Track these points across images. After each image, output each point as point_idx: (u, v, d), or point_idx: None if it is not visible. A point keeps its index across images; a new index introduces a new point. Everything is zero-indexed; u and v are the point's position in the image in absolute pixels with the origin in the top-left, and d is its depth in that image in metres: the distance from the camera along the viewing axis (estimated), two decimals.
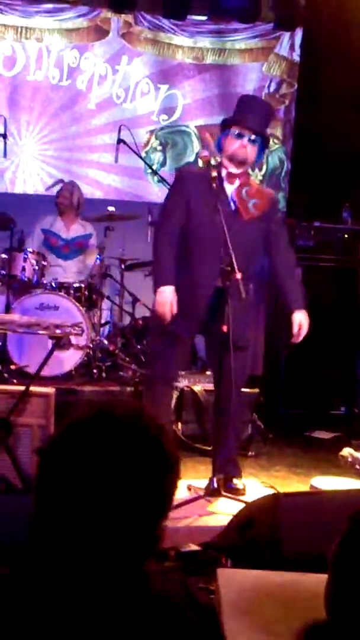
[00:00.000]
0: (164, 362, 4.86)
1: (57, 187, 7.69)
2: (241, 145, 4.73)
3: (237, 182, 4.77)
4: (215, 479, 4.53)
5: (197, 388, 6.14)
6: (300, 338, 4.93)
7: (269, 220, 4.89)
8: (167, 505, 1.57)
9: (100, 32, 8.25)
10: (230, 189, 4.77)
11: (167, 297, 4.65)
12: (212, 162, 4.77)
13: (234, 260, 4.35)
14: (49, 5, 8.02)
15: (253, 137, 4.75)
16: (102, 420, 1.58)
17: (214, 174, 4.60)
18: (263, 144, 4.87)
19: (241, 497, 4.45)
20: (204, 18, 8.45)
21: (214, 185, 4.59)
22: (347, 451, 5.68)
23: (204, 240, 4.68)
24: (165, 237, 4.76)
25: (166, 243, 4.74)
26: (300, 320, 4.89)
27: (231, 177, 4.77)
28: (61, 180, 7.77)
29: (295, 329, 4.87)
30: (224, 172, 4.77)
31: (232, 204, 4.75)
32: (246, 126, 4.74)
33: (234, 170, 4.75)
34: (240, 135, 4.74)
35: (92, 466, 1.51)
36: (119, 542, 1.50)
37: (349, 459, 5.60)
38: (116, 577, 1.50)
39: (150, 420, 1.59)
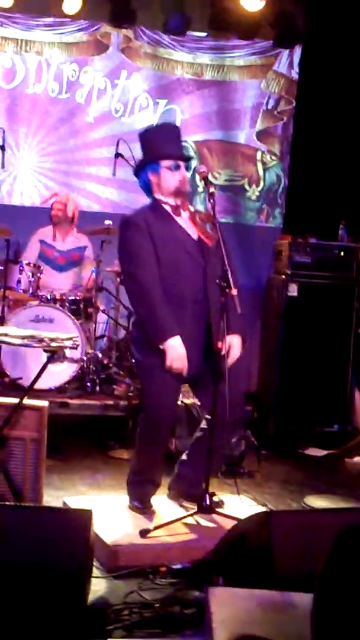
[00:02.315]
0: (163, 406, 4.63)
1: (52, 200, 7.70)
2: (182, 177, 4.61)
3: (185, 213, 4.62)
4: (207, 496, 4.50)
5: (188, 401, 6.05)
6: (230, 361, 4.54)
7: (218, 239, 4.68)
8: None
9: (100, 47, 8.27)
10: (181, 221, 4.62)
11: (180, 350, 4.42)
12: (210, 177, 4.70)
13: (229, 276, 4.31)
14: (49, 19, 8.04)
15: (184, 164, 4.67)
16: None
17: (212, 189, 4.54)
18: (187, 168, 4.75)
19: (234, 515, 4.42)
20: (203, 34, 8.48)
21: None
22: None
23: (184, 277, 4.53)
24: (150, 287, 4.46)
25: (154, 292, 4.45)
26: (231, 342, 4.53)
27: (176, 209, 4.62)
28: (57, 194, 7.78)
29: (224, 350, 4.45)
30: (168, 208, 4.62)
31: (191, 234, 4.60)
32: (177, 156, 4.63)
33: (177, 203, 4.61)
34: (177, 167, 4.61)
35: None
36: None
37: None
38: None
39: None
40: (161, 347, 4.42)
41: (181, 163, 4.63)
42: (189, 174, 4.72)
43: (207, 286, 4.51)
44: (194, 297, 4.55)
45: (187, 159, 4.74)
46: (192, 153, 4.59)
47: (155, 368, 4.49)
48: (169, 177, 4.61)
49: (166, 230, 4.55)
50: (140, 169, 4.74)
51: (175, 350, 4.42)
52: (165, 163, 4.61)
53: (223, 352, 4.39)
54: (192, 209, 4.65)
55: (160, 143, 4.68)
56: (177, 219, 4.62)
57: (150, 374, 4.59)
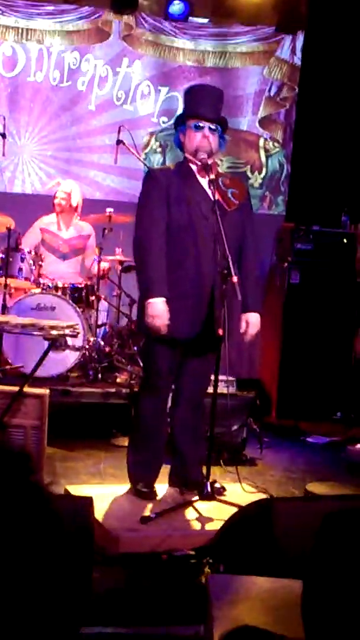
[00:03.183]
0: (158, 373, 4.76)
1: (55, 187, 7.67)
2: (203, 137, 4.62)
3: (209, 175, 4.58)
4: (208, 484, 4.51)
5: None
6: (248, 338, 4.78)
7: (246, 211, 4.80)
8: None
9: (101, 34, 8.24)
10: (204, 182, 4.62)
11: (161, 310, 4.49)
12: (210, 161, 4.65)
13: (230, 263, 4.31)
14: (50, 8, 8.02)
15: (213, 126, 4.64)
16: None
17: (212, 176, 4.52)
18: (222, 130, 4.73)
19: (235, 502, 4.42)
20: (205, 21, 8.44)
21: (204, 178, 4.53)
22: None
23: (194, 239, 4.55)
24: (153, 245, 4.54)
25: (155, 252, 4.52)
26: (248, 319, 4.71)
27: (201, 170, 4.63)
28: (60, 182, 7.75)
29: (242, 328, 4.71)
30: (194, 168, 4.65)
31: (210, 197, 4.59)
32: (203, 116, 4.63)
33: (201, 162, 4.61)
34: (199, 127, 4.63)
35: None
36: None
37: None
38: None
39: None
40: (145, 302, 4.52)
41: (205, 123, 4.62)
42: (216, 136, 4.66)
43: (216, 249, 4.47)
44: (200, 258, 4.55)
45: (212, 121, 4.65)
46: None
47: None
48: (192, 136, 4.65)
49: (185, 189, 4.59)
50: (175, 127, 4.82)
51: (155, 309, 4.50)
52: (190, 122, 4.66)
53: (224, 339, 4.41)
54: (220, 171, 4.62)
55: (191, 103, 4.77)
56: (201, 179, 4.62)
57: (148, 339, 4.76)
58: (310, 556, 1.59)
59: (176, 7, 8.19)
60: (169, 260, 4.57)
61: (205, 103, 4.68)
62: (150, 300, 4.51)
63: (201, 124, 4.62)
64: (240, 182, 4.89)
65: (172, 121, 8.32)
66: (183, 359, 4.73)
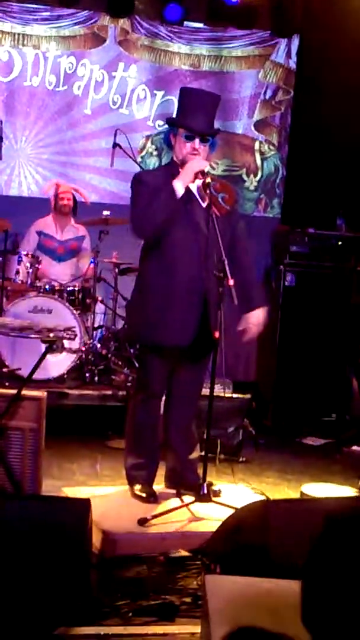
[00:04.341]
0: (152, 377, 4.77)
1: (52, 190, 7.70)
2: (192, 149, 4.56)
3: (198, 180, 4.53)
4: (205, 485, 4.53)
5: None
6: (254, 333, 4.76)
7: (236, 215, 4.77)
8: None
9: (97, 39, 8.28)
10: (193, 187, 4.57)
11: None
12: (208, 168, 4.65)
13: (226, 266, 4.32)
14: (46, 13, 8.05)
15: (201, 137, 4.60)
16: None
17: (208, 180, 4.51)
18: (213, 136, 4.68)
19: (231, 504, 4.45)
20: (200, 25, 8.47)
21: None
22: None
23: (184, 244, 4.53)
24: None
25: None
26: (256, 315, 4.70)
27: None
28: (57, 184, 7.77)
29: (249, 324, 4.69)
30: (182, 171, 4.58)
31: (199, 201, 4.57)
32: (195, 130, 4.58)
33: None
34: (189, 138, 4.59)
35: None
36: None
37: None
38: None
39: None
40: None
41: (195, 135, 4.57)
42: (207, 147, 4.62)
43: (208, 253, 4.47)
44: (191, 264, 4.54)
45: (205, 134, 4.60)
46: None
47: (143, 336, 4.68)
48: (182, 144, 4.61)
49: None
50: (168, 125, 4.80)
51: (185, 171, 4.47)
52: (181, 131, 4.61)
53: (220, 341, 4.43)
54: (208, 179, 4.57)
55: (187, 109, 4.66)
56: (190, 184, 4.54)
57: (143, 346, 4.77)
58: (309, 559, 1.62)
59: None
60: (161, 265, 4.58)
61: (198, 113, 4.60)
62: (174, 184, 4.45)
63: (192, 135, 4.58)
64: (229, 186, 4.85)
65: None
66: (178, 361, 4.75)
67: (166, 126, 4.94)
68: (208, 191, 4.46)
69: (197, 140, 4.58)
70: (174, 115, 4.85)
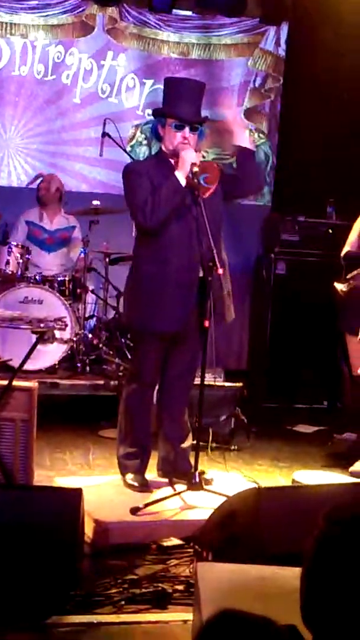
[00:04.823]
0: (146, 365, 4.80)
1: (39, 181, 7.69)
2: (182, 138, 4.59)
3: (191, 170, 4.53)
4: (197, 474, 4.55)
5: None
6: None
7: (219, 192, 4.72)
8: None
9: (85, 28, 8.24)
10: (181, 176, 4.54)
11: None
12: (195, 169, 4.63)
13: (215, 255, 4.34)
14: (34, 2, 8.02)
15: (191, 126, 4.63)
16: None
17: (195, 169, 4.51)
18: (202, 124, 4.70)
19: (223, 492, 4.46)
20: (189, 13, 8.45)
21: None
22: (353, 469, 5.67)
23: (179, 230, 4.56)
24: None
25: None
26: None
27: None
28: (41, 174, 7.76)
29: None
30: (172, 161, 4.61)
31: (189, 191, 4.57)
32: (184, 118, 4.60)
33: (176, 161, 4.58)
34: (179, 127, 4.61)
35: None
36: None
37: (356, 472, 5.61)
38: None
39: None
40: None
41: (185, 124, 4.60)
42: (196, 136, 4.64)
43: (201, 240, 4.49)
44: (187, 248, 4.56)
45: (193, 123, 4.63)
46: None
47: (140, 323, 4.69)
48: (171, 135, 4.63)
49: (166, 181, 4.53)
50: (154, 116, 4.80)
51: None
52: (170, 121, 4.63)
53: (210, 330, 4.45)
54: (195, 168, 4.52)
55: (173, 98, 4.69)
56: (178, 172, 4.54)
57: (136, 332, 4.81)
58: (312, 549, 1.62)
59: None
60: (155, 253, 4.61)
61: (186, 102, 4.63)
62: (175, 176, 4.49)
63: (181, 124, 4.60)
64: (212, 165, 4.84)
65: None
66: (171, 350, 4.76)
67: (153, 118, 4.93)
68: (196, 180, 4.48)
69: (186, 129, 4.61)
70: (161, 106, 4.83)
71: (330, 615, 1.54)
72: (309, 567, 1.60)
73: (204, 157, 4.86)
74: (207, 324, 4.41)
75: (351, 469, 5.65)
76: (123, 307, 5.17)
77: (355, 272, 5.78)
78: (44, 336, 4.96)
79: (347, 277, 5.81)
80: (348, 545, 1.57)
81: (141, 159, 8.11)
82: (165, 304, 4.57)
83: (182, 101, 4.64)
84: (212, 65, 8.59)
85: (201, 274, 4.48)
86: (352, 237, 5.96)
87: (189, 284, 4.57)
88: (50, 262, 7.42)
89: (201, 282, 4.53)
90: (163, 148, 4.72)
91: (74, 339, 6.86)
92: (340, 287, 5.71)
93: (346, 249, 5.96)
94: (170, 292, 4.56)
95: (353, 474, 5.54)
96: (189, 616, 3.22)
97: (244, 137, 4.82)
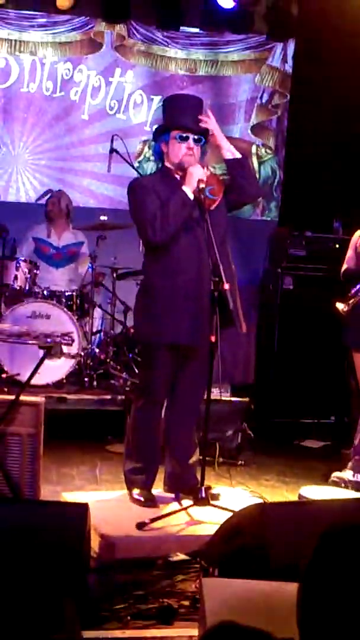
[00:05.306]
0: (156, 379, 4.80)
1: (47, 197, 7.73)
2: (187, 149, 4.62)
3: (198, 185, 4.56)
4: (203, 489, 4.55)
5: None
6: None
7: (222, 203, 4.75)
8: None
9: (93, 45, 8.30)
10: (188, 190, 4.58)
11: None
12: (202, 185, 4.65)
13: (221, 270, 4.36)
14: (43, 20, 8.08)
15: (196, 136, 4.66)
16: None
17: (202, 185, 4.55)
18: (205, 140, 4.73)
19: (229, 507, 4.46)
20: (196, 30, 8.50)
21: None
22: (335, 476, 5.68)
23: (191, 243, 4.59)
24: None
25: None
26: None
27: (184, 178, 4.62)
28: (50, 190, 7.81)
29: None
30: (177, 176, 4.65)
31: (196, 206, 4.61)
32: (187, 127, 4.63)
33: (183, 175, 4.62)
34: (183, 138, 4.64)
35: None
36: None
37: (336, 480, 5.62)
38: None
39: None
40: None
41: (189, 134, 4.63)
42: (199, 147, 4.67)
43: (211, 253, 4.49)
44: (198, 261, 4.58)
45: (197, 132, 4.66)
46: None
47: (153, 336, 4.67)
48: (175, 148, 4.65)
49: (172, 195, 4.55)
50: (155, 138, 4.82)
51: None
52: (174, 133, 4.65)
53: (216, 345, 4.45)
54: (202, 184, 4.55)
55: (173, 113, 4.74)
56: (184, 187, 4.57)
57: (147, 345, 4.80)
58: (307, 567, 1.63)
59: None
60: (165, 266, 4.63)
61: (187, 113, 4.68)
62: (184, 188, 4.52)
63: (185, 135, 4.63)
64: (216, 177, 4.87)
65: None
66: (181, 364, 4.76)
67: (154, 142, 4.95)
68: (202, 196, 4.51)
69: (190, 140, 4.64)
70: (159, 126, 4.88)
71: (324, 630, 1.55)
72: (304, 582, 1.61)
73: (211, 172, 4.86)
74: (213, 338, 4.41)
75: (333, 474, 5.66)
76: (134, 321, 5.19)
77: (353, 291, 5.80)
78: (51, 351, 4.97)
79: (349, 295, 5.82)
80: (340, 560, 1.58)
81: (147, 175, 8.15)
82: (176, 316, 4.58)
83: (184, 113, 4.69)
84: (220, 81, 8.64)
85: (212, 287, 4.47)
86: (348, 253, 5.98)
87: (199, 295, 4.57)
88: (58, 278, 7.45)
89: (212, 295, 4.54)
90: (167, 164, 4.74)
91: (82, 353, 6.88)
92: (341, 306, 5.72)
93: (344, 266, 5.98)
94: (180, 304, 4.58)
95: (333, 481, 5.57)
96: (195, 632, 3.21)
97: (230, 147, 4.78)
